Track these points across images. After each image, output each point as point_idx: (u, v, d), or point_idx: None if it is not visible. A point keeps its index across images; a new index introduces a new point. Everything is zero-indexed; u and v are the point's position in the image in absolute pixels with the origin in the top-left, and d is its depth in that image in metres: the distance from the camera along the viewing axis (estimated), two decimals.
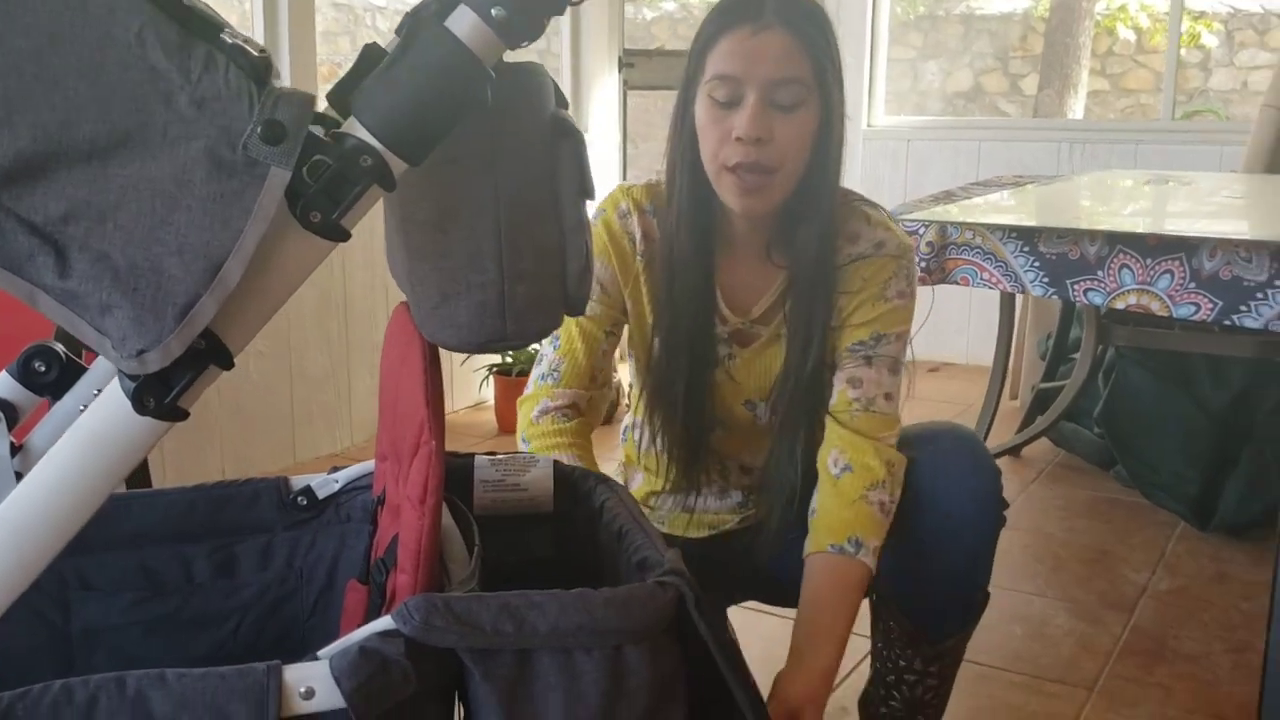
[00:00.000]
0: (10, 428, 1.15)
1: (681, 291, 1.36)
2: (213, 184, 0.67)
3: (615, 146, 4.14)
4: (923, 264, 2.32)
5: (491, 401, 3.50)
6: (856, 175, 4.26)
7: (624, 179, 4.16)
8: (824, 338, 1.36)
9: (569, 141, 0.83)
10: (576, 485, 1.19)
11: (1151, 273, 2.02)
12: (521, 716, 0.86)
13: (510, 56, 0.79)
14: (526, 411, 1.42)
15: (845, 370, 1.37)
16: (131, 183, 0.67)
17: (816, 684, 1.22)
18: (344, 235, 0.72)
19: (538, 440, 1.39)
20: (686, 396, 1.39)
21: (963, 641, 1.39)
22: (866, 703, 1.47)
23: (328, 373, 3.18)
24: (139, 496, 1.17)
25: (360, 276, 3.21)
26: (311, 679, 0.80)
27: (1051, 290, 2.14)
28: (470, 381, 3.57)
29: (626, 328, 1.45)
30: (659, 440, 1.43)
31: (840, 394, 1.36)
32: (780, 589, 1.49)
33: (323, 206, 0.70)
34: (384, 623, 0.84)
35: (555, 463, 1.20)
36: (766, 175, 1.28)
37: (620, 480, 1.39)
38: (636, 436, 1.54)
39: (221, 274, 0.67)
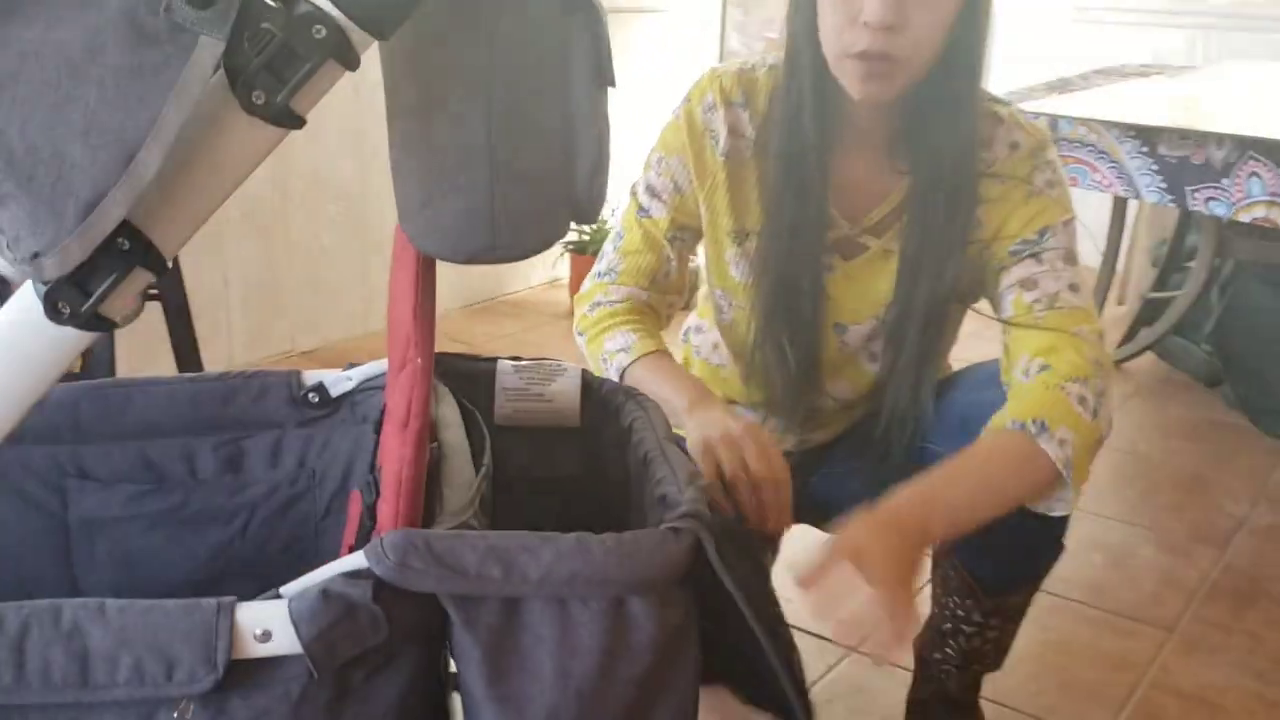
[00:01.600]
0: None
1: (794, 188, 1.21)
2: (129, 53, 0.56)
3: (711, 19, 3.91)
4: None
5: (566, 279, 3.40)
6: None
7: (721, 59, 3.94)
8: (947, 260, 1.19)
9: (584, 15, 0.69)
10: (606, 400, 1.09)
11: None
12: (506, 669, 0.77)
13: None
14: (581, 309, 1.31)
15: (1012, 275, 1.19)
16: (33, 48, 0.56)
17: (903, 509, 1.02)
18: (295, 121, 0.61)
19: (591, 330, 1.28)
20: (796, 306, 1.25)
21: (1028, 596, 1.27)
22: (923, 643, 1.37)
23: None
24: (140, 385, 1.09)
25: None
26: (269, 620, 0.72)
27: (1169, 198, 1.93)
28: (545, 258, 3.46)
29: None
30: (757, 356, 1.29)
31: (1015, 301, 1.18)
32: (828, 513, 1.38)
33: (267, 85, 0.59)
34: (354, 560, 0.75)
35: (584, 373, 1.09)
36: (895, 64, 1.11)
37: None
38: (697, 341, 1.42)
39: (135, 164, 0.56)
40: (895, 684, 1.62)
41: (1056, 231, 1.19)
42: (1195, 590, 1.97)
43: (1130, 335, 3.09)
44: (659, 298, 1.29)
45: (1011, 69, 3.97)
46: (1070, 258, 1.20)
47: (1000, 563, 1.22)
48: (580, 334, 1.29)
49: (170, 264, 0.62)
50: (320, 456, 1.14)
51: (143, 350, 2.44)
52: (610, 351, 1.24)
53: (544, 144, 0.69)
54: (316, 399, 1.11)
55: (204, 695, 0.72)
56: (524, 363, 1.11)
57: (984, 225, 1.20)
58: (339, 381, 1.11)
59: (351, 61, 0.60)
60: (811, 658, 1.71)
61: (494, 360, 1.11)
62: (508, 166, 0.68)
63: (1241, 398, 2.73)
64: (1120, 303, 3.51)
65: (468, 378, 1.10)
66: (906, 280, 1.22)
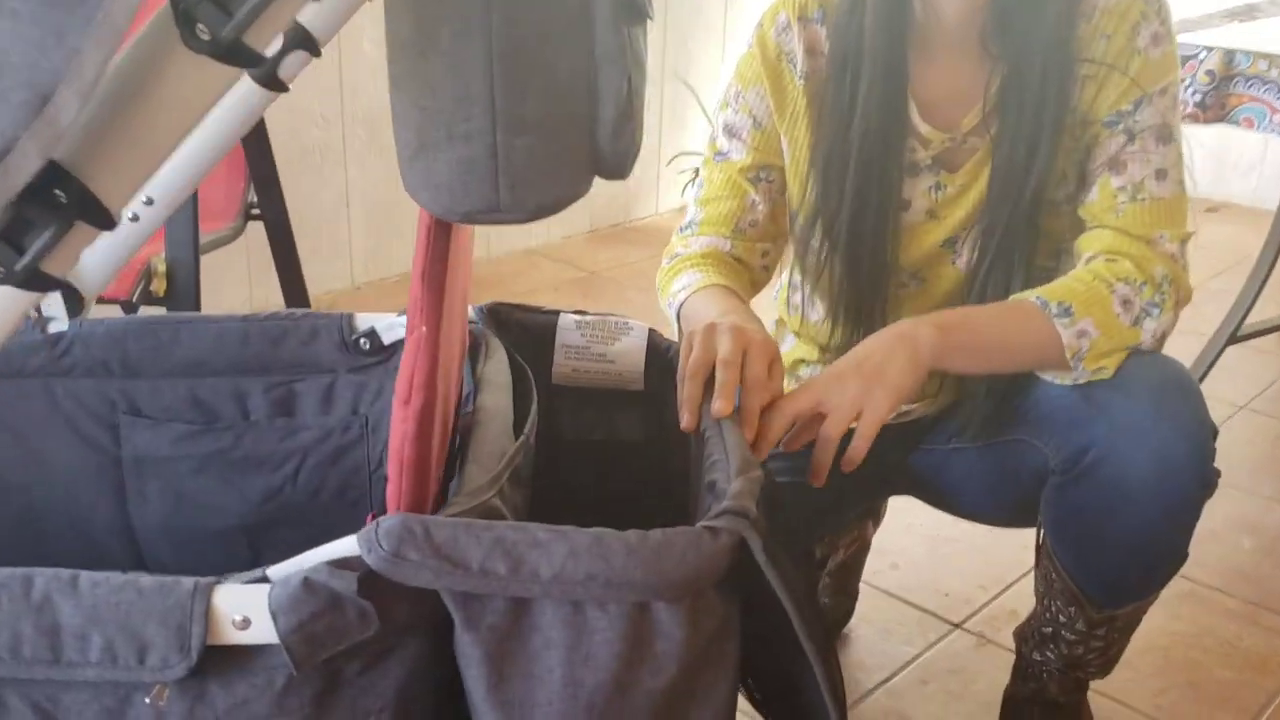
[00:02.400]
0: None
1: (865, 108, 1.08)
2: None
3: None
4: (1197, 97, 1.91)
5: None
6: None
7: None
8: (1044, 144, 1.06)
9: None
10: (672, 365, 0.99)
11: None
12: (509, 674, 0.70)
13: None
14: (661, 266, 1.21)
15: (1104, 150, 1.07)
16: None
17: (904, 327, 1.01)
18: (250, 58, 0.52)
19: (663, 282, 1.18)
20: (865, 248, 1.13)
21: (1142, 609, 1.13)
22: (1023, 638, 1.24)
23: None
24: (189, 322, 1.05)
25: None
26: (248, 606, 0.66)
27: None
28: (674, 185, 3.35)
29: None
30: (823, 301, 1.19)
31: (1102, 186, 1.07)
32: (930, 490, 1.26)
33: (211, 18, 0.50)
34: (346, 545, 0.68)
35: (650, 334, 1.00)
36: None
37: None
38: (789, 295, 1.30)
39: (49, 109, 0.48)
40: (995, 667, 1.50)
41: (1152, 100, 1.06)
42: None
43: None
44: (745, 246, 1.17)
45: None
46: (1164, 135, 1.06)
47: (1109, 573, 1.08)
48: (659, 292, 1.19)
49: (118, 218, 0.55)
50: (373, 405, 1.08)
51: (263, 266, 2.44)
52: (674, 293, 1.13)
53: (556, 88, 0.59)
54: (368, 345, 1.05)
55: (181, 681, 0.67)
56: (588, 318, 1.02)
57: (1081, 97, 1.07)
58: (391, 328, 1.05)
59: None
60: (910, 633, 1.60)
61: (556, 313, 1.03)
62: (511, 113, 0.58)
63: None
64: None
65: (526, 331, 1.02)
66: (999, 169, 1.09)
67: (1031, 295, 1.03)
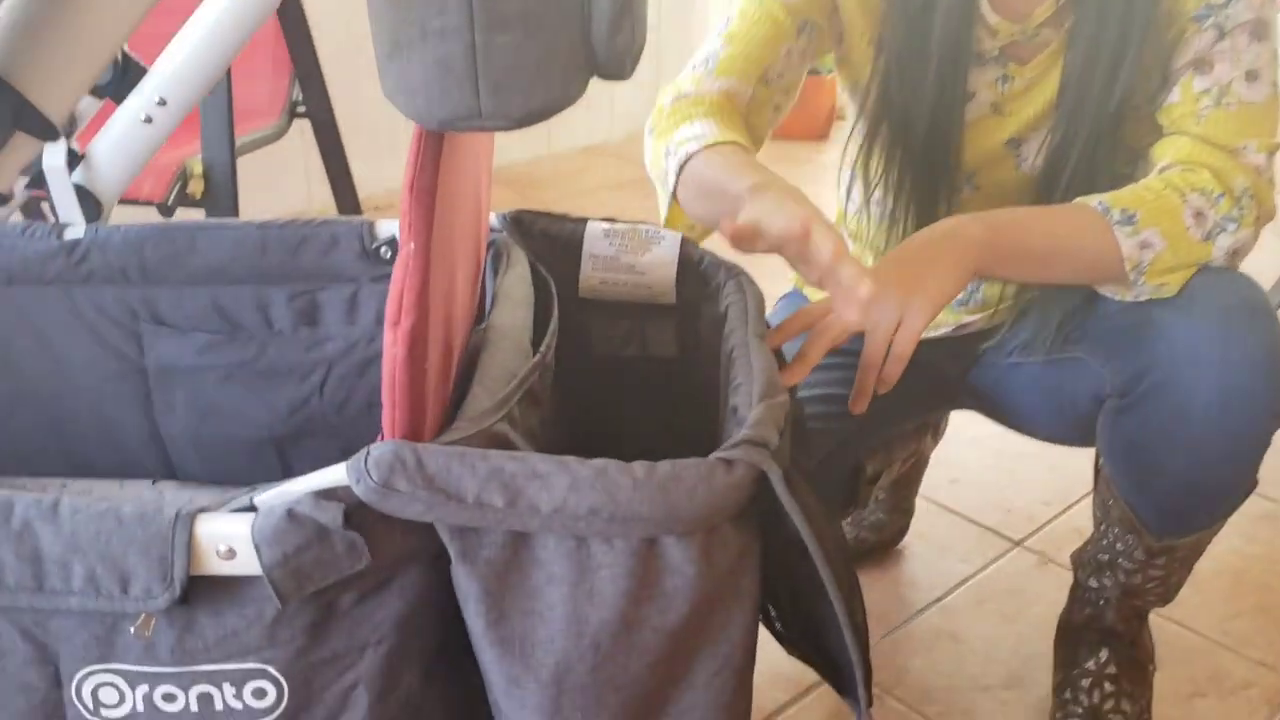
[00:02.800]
0: (70, 135, 1.01)
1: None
2: None
3: None
4: None
5: None
6: None
7: None
8: (1133, 43, 0.96)
9: None
10: (705, 277, 0.93)
11: None
12: (508, 610, 0.66)
13: None
14: (659, 103, 1.07)
15: (1190, 48, 0.97)
16: None
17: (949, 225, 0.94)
18: None
19: (663, 123, 1.03)
20: (927, 141, 1.05)
21: (1202, 541, 1.05)
22: (1080, 563, 1.18)
23: None
24: (206, 228, 1.01)
25: None
26: (232, 536, 0.63)
27: None
28: None
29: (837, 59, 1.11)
30: (882, 201, 1.12)
31: (1184, 88, 0.97)
32: (990, 405, 1.20)
33: None
34: (333, 474, 0.64)
35: (684, 243, 0.94)
36: None
37: None
38: (846, 192, 1.23)
39: None
40: (1055, 588, 1.45)
41: None
42: None
43: None
44: (765, 97, 1.05)
45: None
46: (1259, 31, 0.96)
47: (1168, 503, 1.01)
48: (650, 133, 1.06)
49: (61, 128, 0.51)
50: None
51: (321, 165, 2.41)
52: (677, 141, 0.99)
53: None
54: (389, 254, 1.00)
55: (167, 611, 0.64)
56: (617, 226, 0.96)
57: None
58: None
59: None
60: (968, 550, 1.55)
61: (583, 221, 0.97)
62: (490, 7, 0.52)
63: None
64: None
65: (551, 240, 0.97)
66: (1072, 68, 1.00)
67: (1093, 200, 0.95)
